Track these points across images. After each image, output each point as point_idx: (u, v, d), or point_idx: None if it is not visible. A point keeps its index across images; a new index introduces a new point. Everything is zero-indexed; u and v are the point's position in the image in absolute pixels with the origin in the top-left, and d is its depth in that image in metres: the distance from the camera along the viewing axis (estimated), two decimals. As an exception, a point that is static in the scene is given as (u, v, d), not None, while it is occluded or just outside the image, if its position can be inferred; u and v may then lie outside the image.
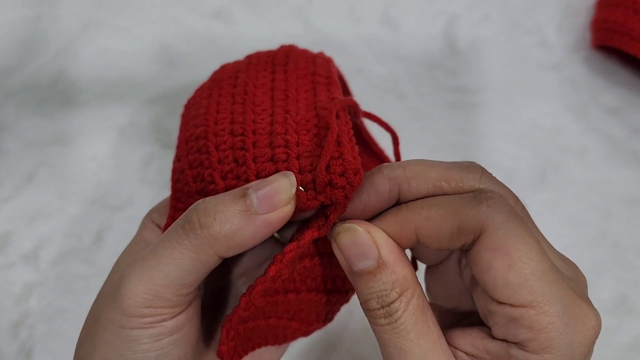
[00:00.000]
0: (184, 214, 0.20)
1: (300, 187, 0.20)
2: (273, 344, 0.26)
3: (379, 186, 0.20)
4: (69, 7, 0.47)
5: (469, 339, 0.20)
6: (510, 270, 0.18)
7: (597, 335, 0.19)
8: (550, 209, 0.41)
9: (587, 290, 0.21)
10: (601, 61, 0.47)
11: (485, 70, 0.46)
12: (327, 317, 0.27)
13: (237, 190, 0.20)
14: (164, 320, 0.20)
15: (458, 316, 0.22)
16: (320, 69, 0.26)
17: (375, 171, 0.21)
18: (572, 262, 0.22)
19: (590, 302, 0.20)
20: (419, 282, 0.20)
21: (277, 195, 0.19)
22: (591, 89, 0.46)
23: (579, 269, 0.21)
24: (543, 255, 0.19)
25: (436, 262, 0.23)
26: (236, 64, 0.28)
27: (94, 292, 0.37)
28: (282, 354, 0.26)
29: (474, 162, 0.21)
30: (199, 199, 0.20)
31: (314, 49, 0.46)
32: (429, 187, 0.20)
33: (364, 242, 0.19)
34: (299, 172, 0.20)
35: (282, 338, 0.26)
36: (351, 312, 0.37)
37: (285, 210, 0.19)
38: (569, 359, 0.18)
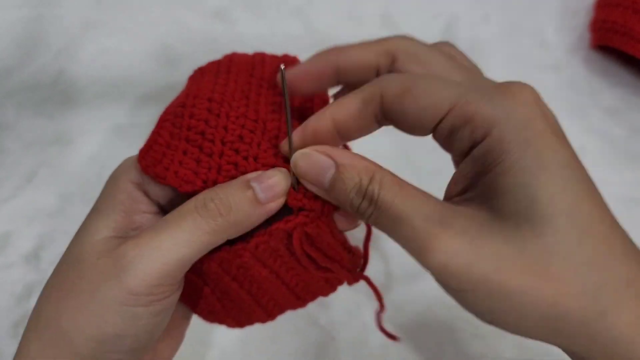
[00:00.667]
0: (199, 202, 0.21)
1: (293, 187, 0.22)
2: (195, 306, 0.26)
3: (320, 55, 0.24)
4: (69, 8, 0.47)
5: (452, 182, 0.21)
6: (418, 99, 0.20)
7: (537, 98, 0.20)
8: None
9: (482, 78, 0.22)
10: (600, 61, 0.47)
11: (485, 71, 0.45)
12: (271, 314, 0.27)
13: (240, 181, 0.22)
14: (166, 297, 0.21)
15: None
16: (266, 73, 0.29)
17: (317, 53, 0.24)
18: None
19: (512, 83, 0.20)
20: (384, 168, 0.21)
21: (277, 187, 0.22)
22: (590, 89, 0.46)
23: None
24: (449, 62, 0.22)
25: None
26: (249, 57, 0.30)
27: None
28: (179, 343, 0.27)
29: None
30: (184, 145, 0.23)
31: (314, 49, 0.46)
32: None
33: (317, 159, 0.21)
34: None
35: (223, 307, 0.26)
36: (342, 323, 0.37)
37: (281, 201, 0.22)
38: (515, 131, 0.18)
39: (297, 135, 0.22)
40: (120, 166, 0.24)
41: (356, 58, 0.23)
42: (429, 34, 0.47)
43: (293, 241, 0.23)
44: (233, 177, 0.23)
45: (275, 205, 0.22)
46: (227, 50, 0.44)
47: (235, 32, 0.47)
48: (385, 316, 0.37)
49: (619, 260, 0.17)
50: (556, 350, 0.37)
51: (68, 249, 0.23)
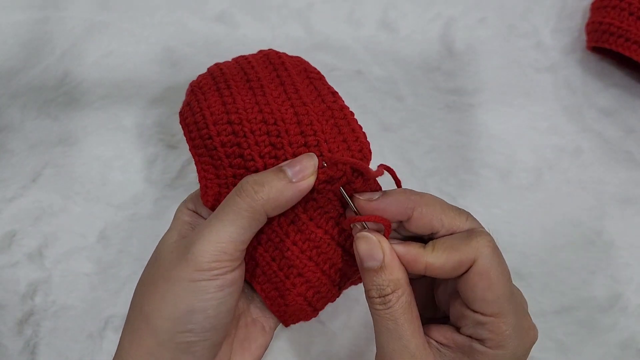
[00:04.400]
0: (236, 187, 0.25)
1: (324, 163, 0.26)
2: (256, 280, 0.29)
3: (401, 200, 0.26)
4: (74, 10, 0.48)
5: (442, 332, 0.26)
6: (488, 291, 0.25)
7: (534, 342, 0.26)
8: (545, 209, 0.42)
9: (527, 308, 0.27)
10: (596, 63, 0.47)
11: (482, 72, 0.46)
12: (314, 305, 0.29)
13: (274, 168, 0.26)
14: (227, 272, 0.25)
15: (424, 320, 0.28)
16: (308, 66, 0.31)
17: (402, 190, 0.27)
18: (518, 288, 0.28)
19: (530, 317, 0.27)
20: (410, 286, 0.26)
21: (306, 169, 0.26)
22: (586, 90, 0.46)
23: (522, 293, 0.28)
24: (510, 282, 0.26)
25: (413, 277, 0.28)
26: (234, 64, 0.31)
27: (98, 289, 0.38)
28: (269, 340, 0.31)
29: (463, 209, 0.28)
30: (231, 171, 0.27)
31: (314, 51, 0.47)
32: (432, 217, 0.26)
33: (375, 248, 0.25)
34: (328, 152, 0.26)
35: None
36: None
37: (311, 180, 0.26)
38: (512, 356, 0.25)
39: (394, 256, 0.26)
40: (182, 202, 0.31)
41: (447, 266, 0.26)
42: (427, 37, 0.48)
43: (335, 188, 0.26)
44: None
45: (305, 184, 0.25)
46: (230, 52, 0.45)
47: (237, 35, 0.47)
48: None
49: None
50: (553, 347, 0.38)
51: (150, 258, 0.28)
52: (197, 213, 0.29)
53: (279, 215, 0.27)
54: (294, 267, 0.27)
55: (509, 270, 0.26)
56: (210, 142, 0.27)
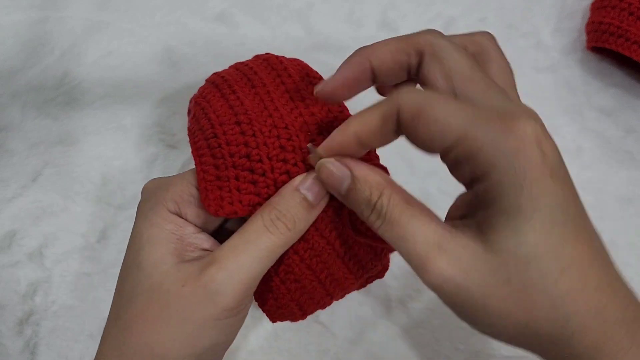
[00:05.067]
0: (266, 221, 0.24)
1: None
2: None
3: (352, 59, 0.24)
4: (74, 10, 0.48)
5: (453, 206, 0.23)
6: (428, 125, 0.20)
7: (538, 133, 0.20)
8: (546, 208, 0.42)
9: (520, 108, 0.21)
10: (596, 63, 0.47)
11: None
12: (305, 310, 0.28)
13: (291, 190, 0.24)
14: (249, 304, 0.25)
15: None
16: (310, 71, 0.30)
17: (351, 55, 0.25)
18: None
19: (519, 110, 0.21)
20: (396, 184, 0.23)
21: (323, 190, 0.24)
22: (586, 90, 0.46)
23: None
24: (450, 97, 0.21)
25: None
26: (234, 71, 0.30)
27: (98, 289, 0.38)
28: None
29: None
30: (234, 172, 0.25)
31: (314, 51, 0.47)
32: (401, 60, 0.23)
33: (335, 169, 0.23)
34: None
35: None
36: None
37: (327, 198, 0.25)
38: (514, 172, 0.19)
39: (323, 148, 0.23)
40: (149, 197, 0.26)
41: (388, 58, 0.23)
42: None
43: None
44: None
45: (324, 203, 0.25)
46: (230, 52, 0.45)
47: (238, 34, 0.47)
48: (383, 313, 0.37)
49: (591, 293, 0.20)
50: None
51: (135, 281, 0.25)
52: (181, 217, 0.26)
53: None
54: (292, 274, 0.26)
55: (473, 62, 0.23)
56: (215, 140, 0.26)
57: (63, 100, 0.44)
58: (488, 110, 0.20)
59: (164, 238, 0.25)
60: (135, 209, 0.40)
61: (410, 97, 0.21)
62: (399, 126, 0.22)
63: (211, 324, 0.23)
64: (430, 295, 0.38)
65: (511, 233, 0.20)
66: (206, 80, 0.31)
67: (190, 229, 0.26)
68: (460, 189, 0.23)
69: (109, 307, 0.38)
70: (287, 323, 0.37)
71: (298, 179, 0.25)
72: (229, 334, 0.24)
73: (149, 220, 0.25)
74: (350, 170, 0.23)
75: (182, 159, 0.42)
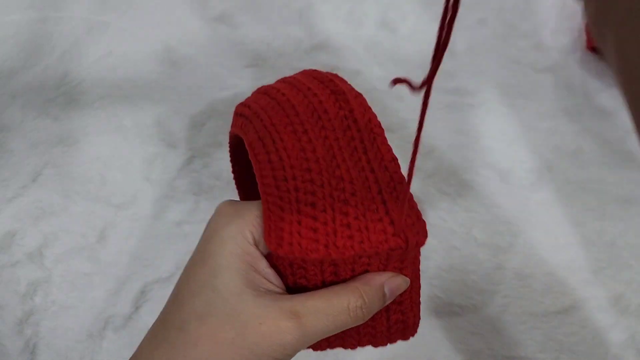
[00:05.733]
0: (352, 305, 0.26)
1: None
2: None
3: None
4: (74, 10, 0.48)
5: None
6: None
7: None
8: (546, 209, 0.42)
9: None
10: (596, 63, 0.47)
11: (482, 73, 0.47)
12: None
13: (379, 290, 0.26)
14: None
15: None
16: (372, 117, 0.29)
17: None
18: None
19: None
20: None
21: (399, 290, 0.27)
22: (586, 91, 0.46)
23: None
24: None
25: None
26: (301, 96, 0.29)
27: (98, 289, 0.38)
28: None
29: None
30: (297, 217, 0.26)
31: (314, 51, 0.47)
32: None
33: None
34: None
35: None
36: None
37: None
38: None
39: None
40: (226, 223, 0.27)
41: None
42: (427, 37, 0.48)
43: None
44: (348, 237, 0.26)
45: (390, 301, 0.27)
46: (230, 52, 0.45)
47: (238, 35, 0.47)
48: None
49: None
50: (554, 347, 0.38)
51: (210, 301, 0.25)
52: (255, 246, 0.27)
53: None
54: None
55: None
56: (284, 184, 0.26)
57: (63, 100, 0.44)
58: None
59: (242, 268, 0.26)
60: (135, 209, 0.41)
61: None
62: None
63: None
64: (430, 295, 0.38)
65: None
66: (263, 90, 0.30)
67: (264, 262, 0.26)
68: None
69: (109, 306, 0.38)
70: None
71: (386, 276, 0.27)
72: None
73: (226, 246, 0.26)
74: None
75: (182, 159, 0.42)
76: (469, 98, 0.45)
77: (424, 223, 0.27)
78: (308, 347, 0.29)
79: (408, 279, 0.27)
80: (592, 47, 0.47)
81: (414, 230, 0.26)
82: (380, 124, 0.29)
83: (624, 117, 0.45)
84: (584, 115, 0.45)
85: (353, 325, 0.26)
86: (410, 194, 0.27)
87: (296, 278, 0.27)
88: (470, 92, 0.46)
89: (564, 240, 0.41)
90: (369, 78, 0.46)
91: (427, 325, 0.37)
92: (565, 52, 0.48)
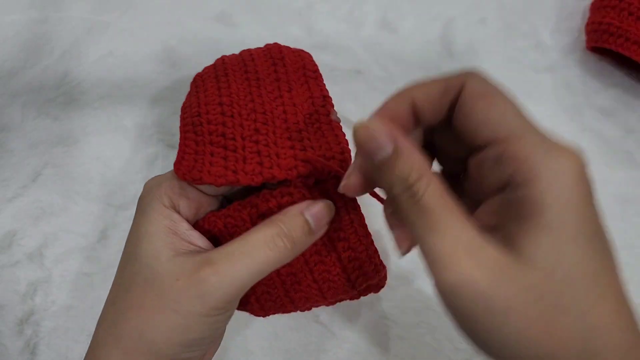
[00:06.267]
0: (268, 237, 0.25)
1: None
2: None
3: (395, 97, 0.23)
4: (74, 10, 0.48)
5: (481, 212, 0.22)
6: (488, 109, 0.20)
7: (585, 167, 0.20)
8: (546, 208, 0.42)
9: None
10: (595, 63, 0.47)
11: (482, 72, 0.46)
12: (298, 307, 0.29)
13: (298, 216, 0.25)
14: (236, 303, 0.26)
15: None
16: (308, 63, 0.32)
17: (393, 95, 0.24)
18: None
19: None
20: (436, 173, 0.22)
21: (325, 218, 0.26)
22: (586, 90, 0.46)
23: None
24: (516, 101, 0.21)
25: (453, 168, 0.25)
26: (237, 56, 0.33)
27: (98, 289, 0.38)
28: (218, 346, 0.30)
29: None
30: (210, 148, 0.27)
31: (314, 51, 0.47)
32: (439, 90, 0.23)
33: (379, 135, 0.21)
34: (311, 148, 0.27)
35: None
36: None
37: (326, 228, 0.26)
38: (558, 187, 0.19)
39: (375, 115, 0.23)
40: (147, 194, 0.28)
41: (432, 96, 0.22)
42: (427, 37, 0.48)
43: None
44: (258, 163, 0.26)
45: (322, 232, 0.26)
46: (230, 52, 0.45)
47: (237, 34, 0.47)
48: (384, 314, 0.37)
49: (621, 330, 0.19)
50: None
51: (133, 270, 0.26)
52: (175, 210, 0.27)
53: None
54: (293, 275, 0.28)
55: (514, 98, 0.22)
56: (198, 118, 0.28)
57: (63, 100, 0.44)
58: (542, 133, 0.20)
59: (161, 232, 0.26)
60: (135, 209, 0.40)
61: (479, 78, 0.21)
62: (453, 104, 0.22)
63: (198, 319, 0.24)
64: (430, 295, 0.38)
65: (552, 250, 0.18)
66: (215, 61, 0.33)
67: (185, 225, 0.27)
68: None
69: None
70: (289, 323, 0.37)
71: (304, 204, 0.26)
72: (215, 330, 0.25)
73: (147, 215, 0.27)
74: (396, 141, 0.21)
75: (182, 159, 0.42)
76: (469, 98, 0.45)
77: (348, 153, 0.27)
78: (256, 314, 0.29)
79: (331, 203, 0.26)
80: (592, 47, 0.47)
81: (331, 157, 0.26)
82: (316, 69, 0.32)
83: (624, 117, 0.45)
84: (583, 115, 0.45)
85: (280, 261, 0.25)
86: (342, 133, 0.28)
87: (229, 237, 0.27)
88: (470, 92, 0.46)
89: (564, 240, 0.41)
90: (369, 78, 0.46)
91: (427, 325, 0.37)
92: (565, 52, 0.48)
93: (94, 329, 0.37)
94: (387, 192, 0.21)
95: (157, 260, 0.25)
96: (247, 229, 0.26)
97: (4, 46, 0.46)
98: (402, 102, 0.23)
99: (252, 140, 0.27)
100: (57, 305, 0.38)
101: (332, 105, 0.29)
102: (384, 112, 0.23)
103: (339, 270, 0.27)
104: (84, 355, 0.36)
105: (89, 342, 0.37)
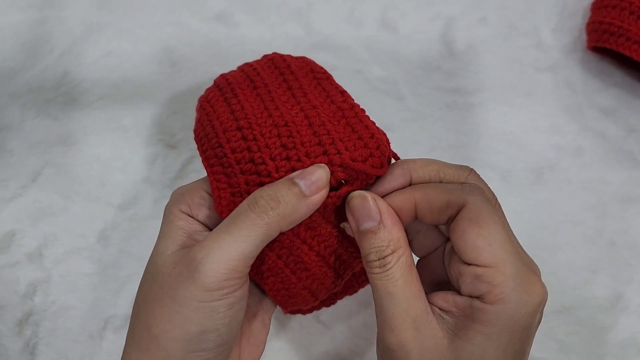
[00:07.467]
0: (250, 201, 0.24)
1: (342, 181, 0.26)
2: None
3: (395, 172, 0.26)
4: (73, 10, 0.48)
5: (442, 296, 0.25)
6: (478, 237, 0.23)
7: (544, 303, 0.24)
8: (546, 208, 0.42)
9: (540, 275, 0.25)
10: (596, 62, 0.47)
11: (482, 72, 0.46)
12: (316, 296, 0.29)
13: (285, 179, 0.25)
14: (236, 290, 0.24)
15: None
16: (314, 66, 0.30)
17: (393, 164, 0.27)
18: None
19: (538, 276, 0.25)
20: (409, 246, 0.25)
21: (319, 181, 0.25)
22: (586, 90, 0.46)
23: (531, 259, 0.26)
24: (507, 231, 0.24)
25: (426, 253, 0.28)
26: (239, 72, 0.31)
27: (98, 289, 0.38)
28: (268, 331, 0.30)
29: (467, 165, 0.27)
30: (243, 178, 0.26)
31: (314, 51, 0.47)
32: (431, 175, 0.26)
33: (370, 207, 0.25)
34: (345, 150, 0.26)
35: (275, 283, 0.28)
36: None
37: (324, 192, 0.25)
38: (515, 313, 0.23)
39: (391, 213, 0.26)
40: (170, 200, 0.28)
41: (434, 206, 0.25)
42: (427, 36, 0.48)
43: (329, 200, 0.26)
44: None
45: (319, 197, 0.25)
46: (229, 52, 0.45)
47: (237, 34, 0.47)
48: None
49: None
50: (554, 347, 0.38)
51: (146, 269, 0.27)
52: (192, 217, 0.28)
53: None
54: (301, 263, 0.27)
55: (505, 220, 0.25)
56: (221, 150, 0.27)
57: (63, 100, 0.44)
58: (523, 264, 0.24)
59: (172, 231, 0.26)
60: (135, 210, 0.41)
61: (479, 200, 0.24)
62: (451, 219, 0.24)
63: (195, 305, 0.23)
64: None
65: (479, 348, 0.23)
66: (214, 81, 0.32)
67: (199, 227, 0.27)
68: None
69: (109, 306, 0.38)
70: (289, 323, 0.37)
71: (296, 172, 0.26)
72: (215, 320, 0.24)
73: (165, 218, 0.27)
74: (381, 216, 0.24)
75: (182, 159, 0.42)
76: (469, 97, 0.45)
77: (383, 145, 0.27)
78: (283, 308, 0.29)
79: (324, 166, 0.25)
80: (593, 47, 0.47)
81: (368, 155, 0.26)
82: (325, 70, 0.30)
83: (625, 117, 0.45)
84: (584, 114, 0.45)
85: (269, 226, 0.24)
86: (371, 121, 0.27)
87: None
88: (471, 91, 0.45)
89: (565, 239, 0.41)
90: (369, 78, 0.46)
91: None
92: (566, 51, 0.48)
93: (94, 329, 0.38)
94: (363, 254, 0.25)
95: (162, 255, 0.26)
96: (302, 248, 0.27)
97: (3, 46, 0.46)
98: (405, 200, 0.25)
99: (282, 158, 0.26)
100: (57, 306, 0.38)
101: (352, 99, 0.28)
102: (389, 202, 0.26)
103: (340, 238, 0.28)
104: (84, 355, 0.37)
105: (89, 343, 0.37)
